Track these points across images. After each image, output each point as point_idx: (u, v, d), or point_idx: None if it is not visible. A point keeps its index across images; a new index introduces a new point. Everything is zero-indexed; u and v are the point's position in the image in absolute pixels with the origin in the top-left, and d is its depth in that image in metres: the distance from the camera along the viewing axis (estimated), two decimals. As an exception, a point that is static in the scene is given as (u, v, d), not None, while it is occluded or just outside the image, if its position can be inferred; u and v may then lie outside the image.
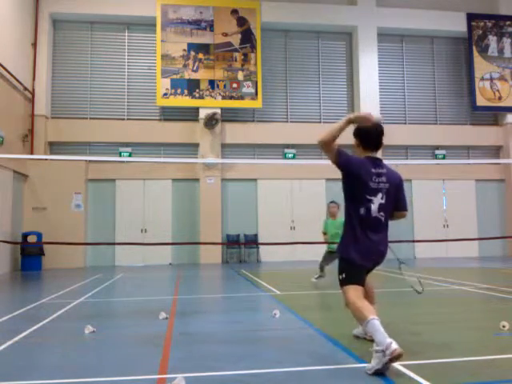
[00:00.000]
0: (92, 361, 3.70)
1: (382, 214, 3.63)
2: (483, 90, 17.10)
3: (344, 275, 3.62)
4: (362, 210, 3.60)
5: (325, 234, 8.70)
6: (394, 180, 3.72)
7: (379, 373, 3.13)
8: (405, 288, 8.10)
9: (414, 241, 15.21)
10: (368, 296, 3.82)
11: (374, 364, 3.16)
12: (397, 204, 3.76)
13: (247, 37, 15.94)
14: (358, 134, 3.81)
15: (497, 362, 3.47)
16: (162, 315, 5.40)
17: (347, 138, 3.87)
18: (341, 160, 3.63)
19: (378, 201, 3.61)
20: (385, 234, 3.70)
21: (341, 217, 8.23)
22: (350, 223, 3.67)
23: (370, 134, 3.75)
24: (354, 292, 3.54)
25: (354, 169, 3.62)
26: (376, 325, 3.22)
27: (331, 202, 8.74)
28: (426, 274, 10.09)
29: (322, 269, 8.70)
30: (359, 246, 3.58)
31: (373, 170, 3.64)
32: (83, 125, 15.31)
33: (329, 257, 8.55)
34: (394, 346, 3.07)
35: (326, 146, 3.63)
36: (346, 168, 3.65)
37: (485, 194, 17.11)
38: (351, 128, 3.81)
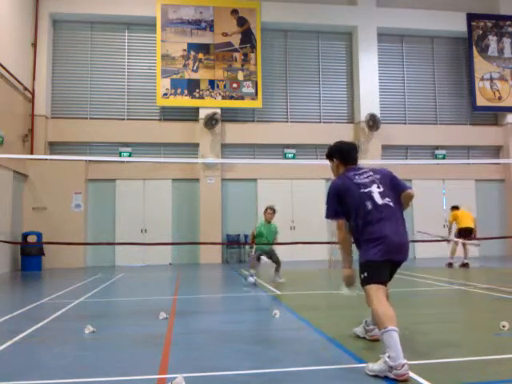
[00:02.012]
0: (92, 361, 3.70)
1: (387, 199, 3.59)
2: (483, 89, 17.10)
3: (366, 274, 3.49)
4: (369, 204, 3.54)
5: (254, 236, 9.00)
6: (382, 172, 3.79)
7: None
8: (405, 288, 8.10)
9: (413, 241, 15.17)
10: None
11: (376, 368, 3.14)
12: (396, 189, 3.72)
13: (247, 37, 15.94)
14: (334, 153, 3.96)
15: (497, 361, 3.47)
16: (162, 315, 5.39)
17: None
18: (333, 215, 3.71)
19: (376, 190, 3.61)
20: (400, 222, 3.60)
21: (275, 223, 9.14)
22: (362, 228, 3.55)
23: (346, 152, 3.93)
24: (376, 292, 3.42)
25: (340, 191, 3.68)
26: (394, 337, 3.13)
27: (269, 208, 9.10)
28: (426, 274, 10.10)
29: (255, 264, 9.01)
30: (376, 242, 3.47)
31: (353, 173, 3.76)
32: (83, 125, 15.31)
33: (260, 255, 8.97)
34: (405, 370, 3.01)
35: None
36: (338, 205, 3.69)
37: (485, 194, 17.11)
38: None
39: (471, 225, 12.25)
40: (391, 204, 3.59)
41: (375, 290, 3.44)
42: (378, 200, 3.57)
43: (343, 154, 3.91)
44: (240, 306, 6.55)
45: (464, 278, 9.54)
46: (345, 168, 3.88)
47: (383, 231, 3.48)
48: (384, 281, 3.53)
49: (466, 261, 12.23)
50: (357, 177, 3.69)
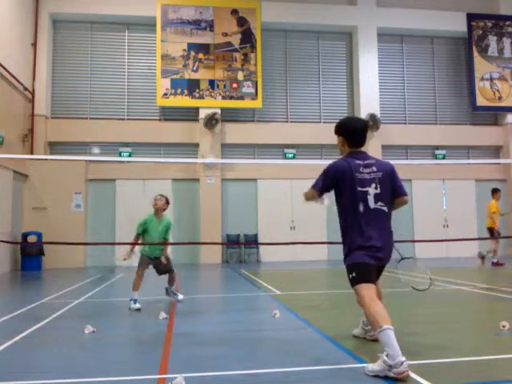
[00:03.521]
0: (92, 361, 3.70)
1: (380, 203, 3.55)
2: (483, 90, 17.10)
3: (354, 274, 3.49)
4: (361, 206, 3.51)
5: (138, 236, 7.03)
6: (385, 169, 3.66)
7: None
8: (404, 288, 8.10)
9: (413, 241, 15.19)
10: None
11: (375, 369, 3.14)
12: (394, 191, 3.67)
13: (247, 37, 15.94)
14: (342, 131, 3.77)
15: (497, 362, 3.47)
16: (162, 315, 5.39)
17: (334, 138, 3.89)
18: (319, 191, 3.65)
19: (373, 191, 3.54)
20: (388, 227, 3.62)
21: (168, 217, 6.84)
22: (350, 227, 3.58)
23: (355, 131, 3.74)
24: (367, 291, 3.41)
25: (338, 175, 3.59)
26: (390, 336, 3.12)
27: (159, 195, 6.87)
28: (425, 274, 10.08)
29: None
30: (364, 246, 3.49)
31: (359, 162, 3.62)
32: (83, 125, 15.31)
33: (147, 262, 6.85)
34: (404, 367, 3.00)
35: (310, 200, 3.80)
36: (329, 186, 3.64)
37: (485, 194, 17.02)
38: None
39: (488, 223, 12.21)
40: (382, 209, 3.57)
41: (366, 288, 3.43)
42: (371, 203, 3.54)
43: (349, 134, 3.73)
44: (240, 305, 6.54)
45: (464, 278, 9.53)
46: (350, 149, 3.74)
47: (370, 237, 3.50)
48: (373, 280, 3.54)
49: (490, 259, 12.12)
50: (361, 169, 3.58)
